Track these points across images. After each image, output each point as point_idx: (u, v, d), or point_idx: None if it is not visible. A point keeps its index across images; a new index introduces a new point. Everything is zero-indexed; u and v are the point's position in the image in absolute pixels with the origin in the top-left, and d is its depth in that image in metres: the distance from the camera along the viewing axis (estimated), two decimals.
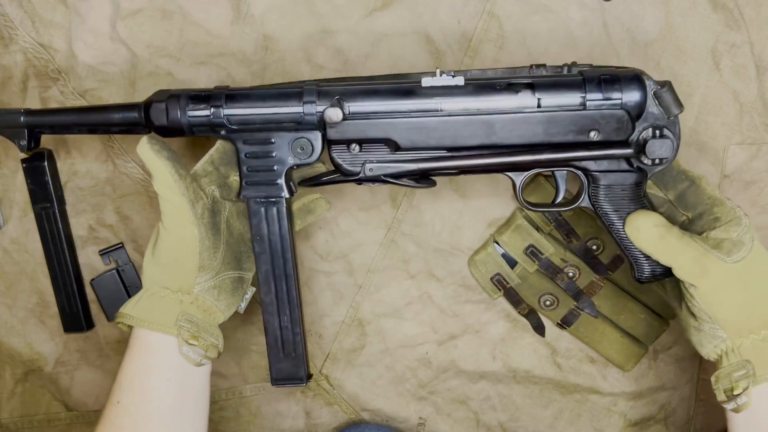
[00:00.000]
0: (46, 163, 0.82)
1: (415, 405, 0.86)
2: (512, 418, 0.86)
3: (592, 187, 0.66)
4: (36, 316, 0.88)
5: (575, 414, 0.85)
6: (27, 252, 0.86)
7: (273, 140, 0.66)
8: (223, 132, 0.66)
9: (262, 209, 0.67)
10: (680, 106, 0.62)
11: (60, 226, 0.83)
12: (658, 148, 0.62)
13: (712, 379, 0.63)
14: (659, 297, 0.80)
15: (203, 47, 0.80)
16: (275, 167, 0.66)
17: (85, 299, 0.86)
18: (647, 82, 0.62)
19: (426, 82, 0.63)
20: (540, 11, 0.76)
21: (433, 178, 0.68)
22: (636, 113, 0.62)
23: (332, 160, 0.66)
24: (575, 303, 0.81)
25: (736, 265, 0.60)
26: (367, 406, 0.87)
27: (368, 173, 0.66)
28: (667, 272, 0.64)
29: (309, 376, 0.72)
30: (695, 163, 0.78)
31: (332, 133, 0.64)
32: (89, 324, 0.87)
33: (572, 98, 0.62)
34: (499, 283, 0.81)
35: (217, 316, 0.67)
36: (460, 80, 0.63)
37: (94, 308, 0.87)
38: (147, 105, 0.66)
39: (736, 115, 0.77)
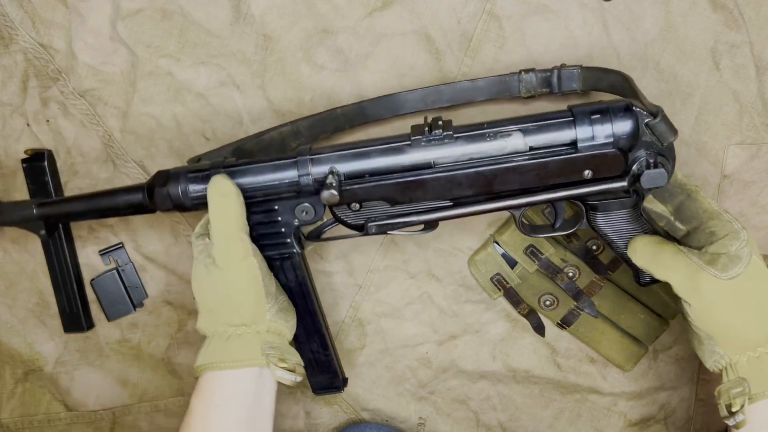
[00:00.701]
0: (46, 163, 0.81)
1: (415, 405, 0.86)
2: (512, 418, 0.86)
3: (590, 214, 0.67)
4: (36, 316, 0.88)
5: (575, 414, 0.85)
6: (27, 252, 0.86)
7: (276, 207, 0.68)
8: None
9: (278, 263, 0.70)
10: (674, 132, 0.61)
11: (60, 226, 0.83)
12: (653, 179, 0.61)
13: (716, 393, 0.62)
14: (659, 297, 0.81)
15: (203, 47, 0.80)
16: (283, 230, 0.68)
17: (85, 299, 0.86)
18: (638, 112, 0.61)
19: (415, 139, 0.64)
20: (540, 11, 0.76)
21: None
22: (629, 146, 0.61)
23: (336, 218, 0.68)
24: (575, 303, 0.81)
25: (731, 282, 0.58)
26: (367, 406, 0.87)
27: (372, 231, 0.67)
28: None
29: (344, 381, 0.76)
30: (695, 163, 0.78)
31: None
32: (89, 324, 0.87)
33: (564, 139, 0.62)
34: (499, 283, 0.81)
35: (287, 336, 0.67)
36: (449, 136, 0.63)
37: (94, 308, 0.87)
38: (150, 189, 0.68)
39: (736, 115, 0.77)
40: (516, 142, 0.62)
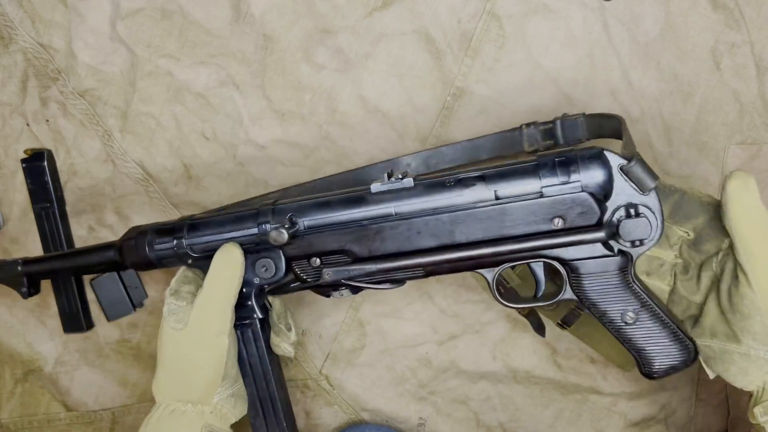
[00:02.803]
0: (45, 163, 0.82)
1: (416, 405, 0.86)
2: (512, 418, 0.86)
3: (572, 278, 0.60)
4: (36, 316, 0.88)
5: (575, 414, 0.85)
6: (27, 252, 0.86)
7: None
8: (189, 261, 0.66)
9: (238, 332, 0.66)
10: (654, 178, 0.56)
11: (60, 226, 0.83)
12: (632, 230, 0.56)
13: (756, 412, 0.55)
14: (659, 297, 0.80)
15: (203, 47, 0.80)
16: (243, 289, 0.65)
17: (85, 299, 0.86)
18: (611, 158, 0.57)
19: (375, 188, 0.62)
20: (540, 11, 0.76)
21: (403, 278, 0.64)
22: (602, 194, 0.57)
23: (295, 275, 0.65)
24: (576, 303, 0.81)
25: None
26: (367, 406, 0.86)
27: (326, 278, 0.63)
28: (682, 364, 0.59)
29: None
30: (695, 163, 0.78)
31: (289, 250, 0.64)
32: (89, 324, 0.87)
33: (528, 186, 0.58)
34: (500, 283, 0.81)
35: (231, 421, 0.66)
36: (408, 182, 0.61)
37: (94, 308, 0.87)
38: (120, 247, 0.68)
39: (736, 115, 0.76)
40: (479, 190, 0.59)
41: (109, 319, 0.87)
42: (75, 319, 0.85)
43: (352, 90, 0.79)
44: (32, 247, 0.85)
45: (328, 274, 0.63)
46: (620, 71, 0.76)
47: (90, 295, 0.87)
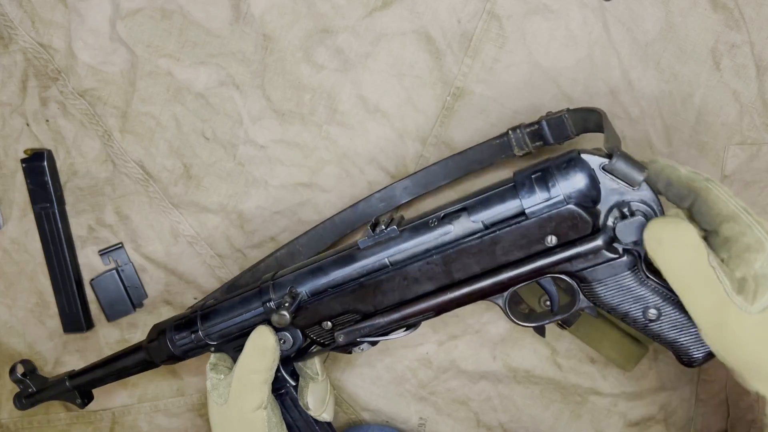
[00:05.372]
0: (45, 163, 0.82)
1: (416, 405, 0.86)
2: (513, 418, 0.86)
3: (583, 287, 0.58)
4: (36, 316, 0.88)
5: (575, 414, 0.85)
6: (27, 252, 0.86)
7: None
8: (212, 349, 0.69)
9: (279, 401, 0.69)
10: (642, 170, 0.53)
11: (60, 226, 0.83)
12: (629, 231, 0.53)
13: (764, 419, 0.51)
14: None
15: (203, 47, 0.80)
16: None
17: (85, 299, 0.86)
18: (589, 160, 0.54)
19: (362, 243, 0.61)
20: (540, 11, 0.76)
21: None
22: (589, 200, 0.54)
23: (312, 340, 0.66)
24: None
25: (759, 316, 0.46)
26: (367, 406, 0.86)
27: (340, 341, 0.64)
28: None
29: None
30: (695, 163, 0.78)
31: (299, 321, 0.65)
32: (89, 324, 0.87)
33: (510, 210, 0.57)
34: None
35: None
36: (393, 231, 0.60)
37: (94, 308, 0.87)
38: (147, 347, 0.71)
39: (736, 115, 0.76)
40: (464, 223, 0.58)
41: (109, 319, 0.87)
42: (75, 319, 0.85)
43: (352, 90, 0.79)
44: (32, 247, 0.85)
45: (341, 337, 0.64)
46: (620, 71, 0.76)
47: (90, 295, 0.87)
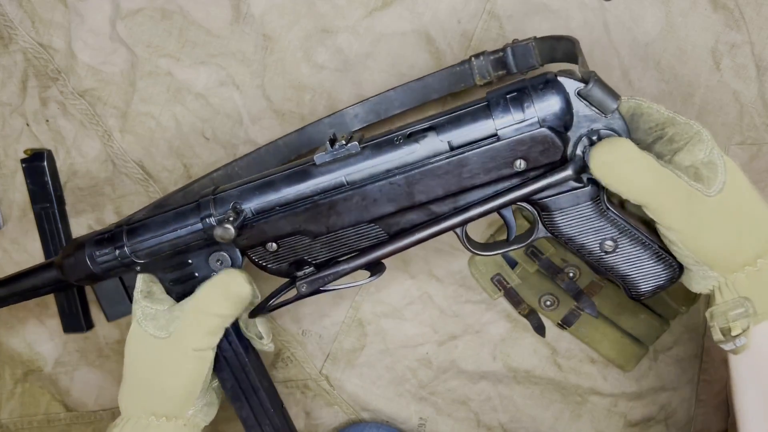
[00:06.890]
0: (45, 164, 0.82)
1: (416, 405, 0.86)
2: (513, 419, 0.86)
3: (544, 216, 0.57)
4: (36, 316, 0.88)
5: (576, 415, 0.85)
6: (27, 252, 0.86)
7: (190, 261, 0.61)
8: (138, 268, 0.62)
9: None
10: (616, 97, 0.52)
11: (60, 226, 0.83)
12: None
13: (707, 315, 0.55)
14: (660, 297, 0.80)
15: (203, 47, 0.80)
16: None
17: (85, 299, 0.86)
18: (566, 83, 0.53)
19: (319, 158, 0.57)
20: (540, 11, 0.76)
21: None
22: (562, 125, 0.53)
23: (255, 264, 0.61)
24: (576, 303, 0.81)
25: (717, 197, 0.51)
26: (367, 406, 0.86)
27: (303, 291, 0.60)
28: (668, 282, 0.57)
29: None
30: None
31: (241, 241, 0.60)
32: (89, 324, 0.87)
33: (482, 130, 0.54)
34: (500, 283, 0.81)
35: (201, 427, 0.64)
36: (354, 147, 0.56)
37: (94, 308, 0.87)
38: (60, 263, 0.63)
39: (736, 116, 0.76)
40: (431, 142, 0.55)
41: (109, 319, 0.86)
42: (75, 319, 0.85)
43: (352, 90, 0.79)
44: (32, 247, 0.85)
45: (304, 287, 0.60)
46: (620, 71, 0.76)
47: (90, 295, 0.87)
